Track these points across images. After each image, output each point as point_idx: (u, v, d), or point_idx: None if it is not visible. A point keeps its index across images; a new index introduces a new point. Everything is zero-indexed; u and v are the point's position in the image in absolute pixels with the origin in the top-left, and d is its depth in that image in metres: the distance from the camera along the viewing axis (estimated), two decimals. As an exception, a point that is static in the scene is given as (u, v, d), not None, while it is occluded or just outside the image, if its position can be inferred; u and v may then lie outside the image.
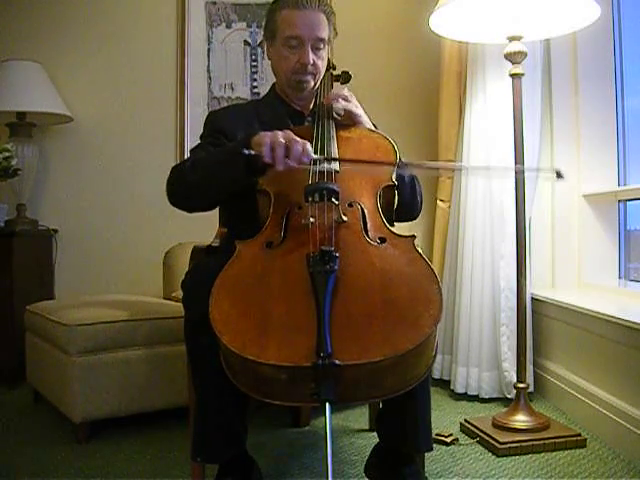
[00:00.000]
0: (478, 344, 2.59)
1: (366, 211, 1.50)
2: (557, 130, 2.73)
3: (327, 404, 1.19)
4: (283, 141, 1.44)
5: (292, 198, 1.52)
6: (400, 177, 1.66)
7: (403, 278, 1.36)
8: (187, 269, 1.80)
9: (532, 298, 2.57)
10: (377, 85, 3.21)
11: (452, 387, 2.66)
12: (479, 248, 2.62)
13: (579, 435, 2.05)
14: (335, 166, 1.56)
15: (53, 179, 3.26)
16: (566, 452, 1.98)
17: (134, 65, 3.29)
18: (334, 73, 1.96)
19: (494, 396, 2.56)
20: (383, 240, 1.44)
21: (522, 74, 2.16)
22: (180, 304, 1.61)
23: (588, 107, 2.69)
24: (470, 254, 2.64)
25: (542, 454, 1.97)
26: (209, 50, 3.31)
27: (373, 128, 1.79)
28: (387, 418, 1.62)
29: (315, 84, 1.81)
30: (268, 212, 1.53)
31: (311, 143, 1.61)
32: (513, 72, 2.16)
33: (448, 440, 2.05)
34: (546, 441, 2.01)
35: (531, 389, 2.49)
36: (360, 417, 2.31)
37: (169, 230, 3.04)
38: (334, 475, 1.18)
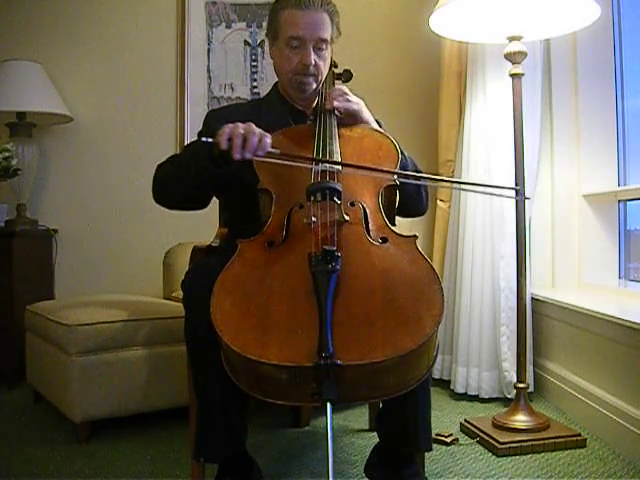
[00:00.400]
0: (478, 344, 2.59)
1: (368, 210, 1.50)
2: (557, 130, 2.73)
3: (328, 404, 1.19)
4: (242, 132, 1.45)
5: (294, 197, 1.52)
6: (403, 170, 1.66)
7: (405, 278, 1.35)
8: (187, 269, 1.80)
9: (532, 298, 2.57)
10: (377, 85, 3.21)
11: (452, 387, 2.66)
12: (479, 248, 2.62)
13: (579, 435, 2.05)
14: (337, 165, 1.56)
15: (53, 179, 3.26)
16: (566, 452, 1.98)
17: (134, 65, 3.29)
18: (335, 71, 1.96)
19: (494, 396, 2.56)
20: (385, 240, 1.44)
21: (522, 74, 2.16)
22: (180, 304, 1.61)
23: (588, 107, 2.69)
24: (470, 254, 2.64)
25: (542, 454, 1.97)
26: (209, 50, 3.31)
27: (375, 124, 1.79)
28: (387, 418, 1.61)
29: (317, 85, 1.80)
30: (270, 211, 1.53)
31: (312, 142, 1.62)
32: (513, 72, 2.16)
33: (448, 440, 2.05)
34: (546, 441, 2.01)
35: (531, 389, 2.49)
36: (360, 417, 2.31)
37: (169, 230, 3.04)
38: (334, 475, 1.18)
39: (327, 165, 1.54)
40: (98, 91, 3.28)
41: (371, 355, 1.21)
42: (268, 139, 1.48)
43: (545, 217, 2.73)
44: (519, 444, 1.99)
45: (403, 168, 1.66)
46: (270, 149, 1.48)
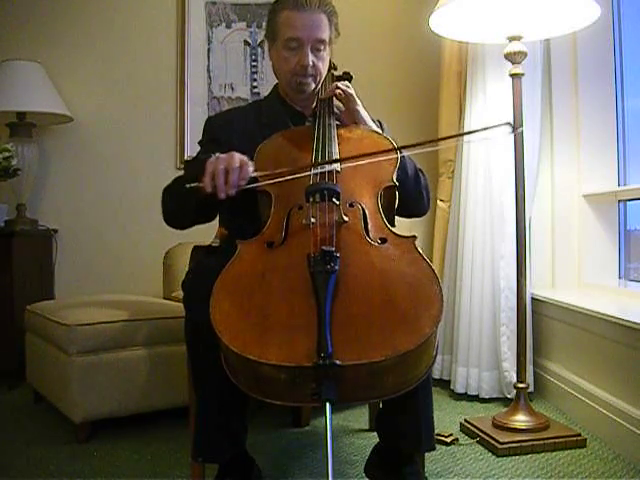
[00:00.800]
0: (478, 344, 2.59)
1: (367, 211, 1.50)
2: (557, 130, 2.73)
3: (328, 404, 1.19)
4: (223, 167, 1.45)
5: (293, 198, 1.52)
6: (403, 170, 1.66)
7: (404, 278, 1.35)
8: (187, 269, 1.81)
9: (532, 298, 2.57)
10: (377, 85, 3.21)
11: (452, 387, 2.66)
12: (479, 248, 2.62)
13: (579, 435, 2.05)
14: (336, 166, 1.56)
15: (53, 179, 3.26)
16: (566, 452, 1.98)
17: (134, 65, 3.29)
18: (335, 74, 1.96)
19: (494, 396, 2.56)
20: (384, 240, 1.44)
21: (522, 74, 2.16)
22: (180, 304, 1.61)
23: (588, 107, 2.69)
24: (470, 254, 2.64)
25: (542, 454, 1.97)
26: (209, 50, 3.31)
27: (373, 124, 1.79)
28: (387, 418, 1.61)
29: (316, 86, 1.80)
30: (269, 212, 1.53)
31: (311, 144, 1.62)
32: (513, 72, 2.16)
33: (448, 440, 2.06)
34: (546, 441, 2.01)
35: (531, 389, 2.49)
36: (360, 417, 2.31)
37: (169, 230, 3.02)
38: (334, 475, 1.18)
39: (326, 165, 1.54)
40: (98, 91, 3.28)
41: (370, 355, 1.21)
42: (250, 167, 1.48)
43: (545, 217, 2.73)
44: (519, 444, 1.99)
45: (403, 168, 1.67)
46: (252, 174, 1.49)
